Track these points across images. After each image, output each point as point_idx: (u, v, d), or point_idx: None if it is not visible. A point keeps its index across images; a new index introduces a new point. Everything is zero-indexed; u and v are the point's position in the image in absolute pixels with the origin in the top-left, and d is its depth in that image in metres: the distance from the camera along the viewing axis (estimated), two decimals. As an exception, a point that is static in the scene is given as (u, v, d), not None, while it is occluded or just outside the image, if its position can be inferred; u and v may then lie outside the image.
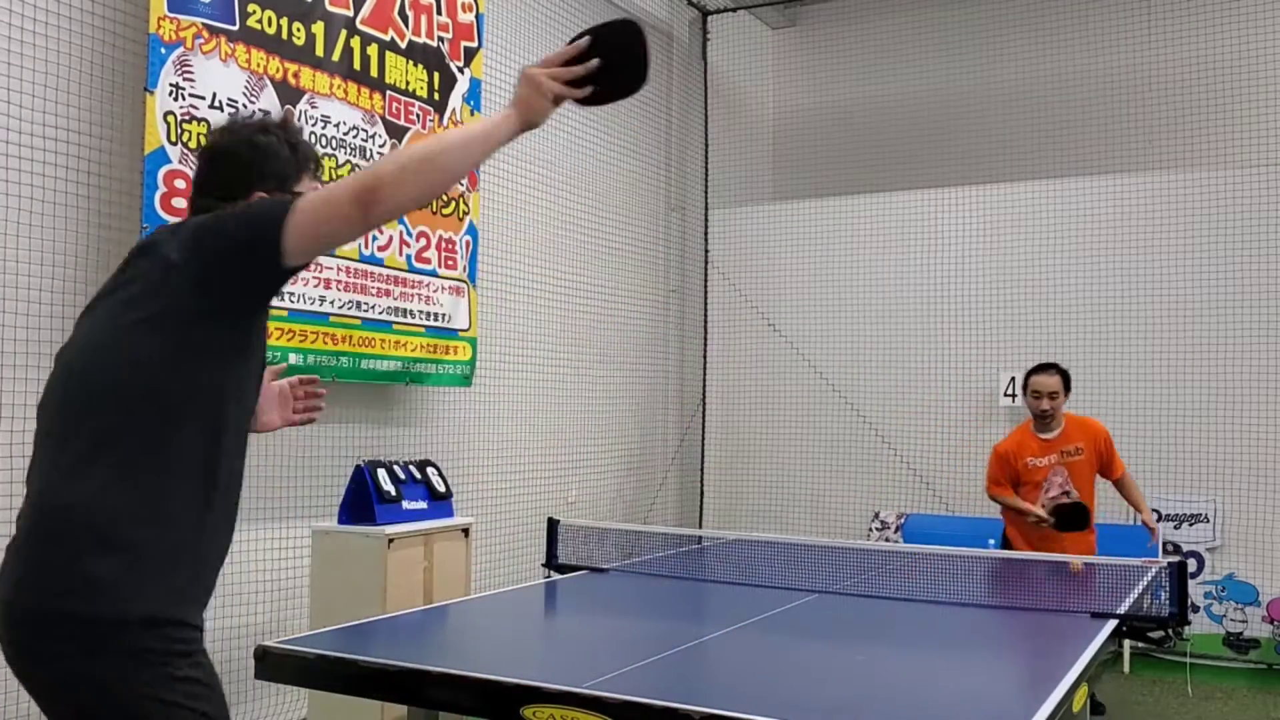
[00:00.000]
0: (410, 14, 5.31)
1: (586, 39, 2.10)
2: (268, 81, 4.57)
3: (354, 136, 5.00)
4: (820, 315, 7.93)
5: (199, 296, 1.96)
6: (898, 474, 7.58)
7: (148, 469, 1.97)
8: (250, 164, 2.18)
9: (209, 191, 2.19)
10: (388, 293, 5.20)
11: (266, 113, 2.18)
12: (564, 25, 6.96)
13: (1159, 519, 6.82)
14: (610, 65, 2.10)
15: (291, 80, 4.68)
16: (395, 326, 5.25)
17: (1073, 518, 5.18)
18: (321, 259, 4.83)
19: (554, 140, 6.86)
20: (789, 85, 9.15)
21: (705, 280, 8.37)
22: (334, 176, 4.89)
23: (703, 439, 8.30)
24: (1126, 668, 6.52)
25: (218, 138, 2.26)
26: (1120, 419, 6.93)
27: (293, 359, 4.69)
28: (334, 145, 4.89)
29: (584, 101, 2.14)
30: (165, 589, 2.00)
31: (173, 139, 4.18)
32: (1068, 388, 5.34)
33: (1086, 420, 5.44)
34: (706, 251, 8.38)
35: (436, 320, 5.51)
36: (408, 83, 5.30)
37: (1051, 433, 5.32)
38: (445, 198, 5.54)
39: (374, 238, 5.11)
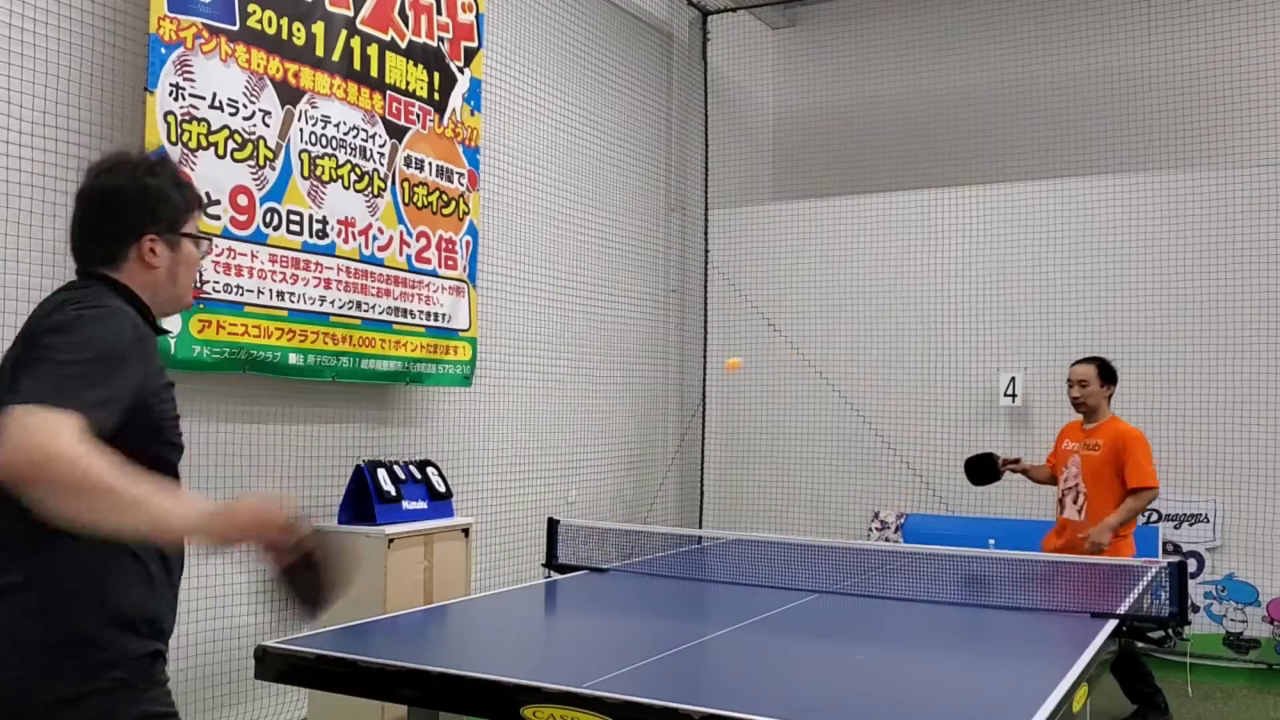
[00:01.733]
0: (410, 14, 5.31)
1: (305, 539, 1.95)
2: (268, 81, 4.57)
3: (354, 136, 5.00)
4: (820, 315, 7.93)
5: None
6: (898, 474, 7.58)
7: None
8: (143, 206, 2.11)
9: (97, 238, 2.12)
10: (388, 293, 5.20)
11: (147, 152, 2.11)
12: (564, 25, 6.97)
13: (1159, 519, 6.82)
14: (305, 573, 1.97)
15: (291, 80, 4.68)
16: (395, 326, 5.25)
17: (975, 467, 5.68)
18: (321, 259, 4.83)
19: (554, 140, 6.86)
20: (789, 85, 9.15)
21: (705, 280, 8.37)
22: (334, 176, 4.89)
23: (703, 439, 8.30)
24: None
25: (102, 179, 2.13)
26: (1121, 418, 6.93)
27: (293, 359, 4.70)
28: (334, 145, 4.89)
29: (283, 573, 1.96)
30: None
31: (173, 139, 4.18)
32: (1106, 379, 5.41)
33: (1121, 424, 5.39)
34: (706, 251, 8.38)
35: (436, 320, 5.51)
36: (408, 83, 5.30)
37: (1091, 424, 5.43)
38: (446, 197, 5.54)
39: (374, 238, 5.11)
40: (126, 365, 1.94)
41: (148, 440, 2.04)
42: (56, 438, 1.72)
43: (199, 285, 4.29)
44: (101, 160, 2.16)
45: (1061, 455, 5.51)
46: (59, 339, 1.89)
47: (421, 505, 4.78)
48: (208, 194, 4.32)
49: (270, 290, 4.59)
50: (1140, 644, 4.00)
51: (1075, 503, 5.34)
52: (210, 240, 2.33)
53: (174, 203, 2.15)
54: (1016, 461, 5.83)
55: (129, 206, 2.11)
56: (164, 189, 2.14)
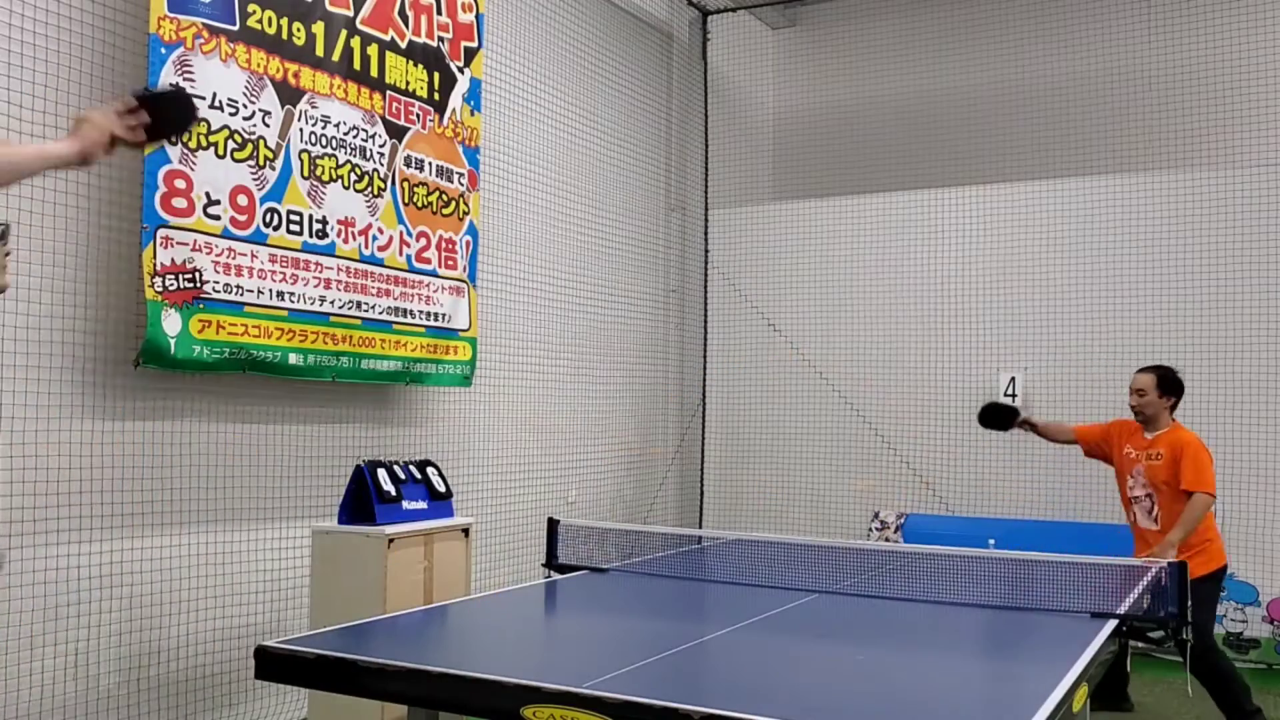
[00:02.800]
0: (410, 14, 5.31)
1: (135, 101, 2.40)
2: (268, 81, 4.57)
3: (354, 136, 5.00)
4: (820, 315, 7.93)
5: None
6: (898, 474, 7.58)
7: None
8: None
9: None
10: (388, 293, 5.20)
11: None
12: (564, 25, 6.97)
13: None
14: (159, 116, 2.43)
15: (291, 80, 4.68)
16: (395, 326, 5.25)
17: (991, 414, 5.74)
18: (321, 259, 4.83)
19: (554, 140, 6.87)
20: (789, 85, 9.15)
21: (705, 280, 8.37)
22: (334, 176, 4.89)
23: (703, 439, 8.30)
24: (1126, 668, 6.50)
25: None
26: (1120, 418, 6.93)
27: (293, 359, 4.70)
28: (334, 145, 4.89)
29: (136, 144, 2.44)
30: None
31: (173, 139, 4.18)
32: (1165, 390, 5.33)
33: (1182, 432, 5.31)
34: (706, 251, 8.38)
35: (436, 320, 5.51)
36: (408, 83, 5.30)
37: (1151, 433, 5.34)
38: (446, 197, 5.54)
39: (374, 237, 5.11)
40: None
41: None
42: None
43: (199, 285, 4.28)
44: None
45: (1124, 462, 5.42)
46: None
47: (421, 505, 4.78)
48: (208, 193, 4.33)
49: (270, 290, 4.59)
50: (1140, 644, 4.00)
51: (1150, 513, 5.28)
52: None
53: None
54: (1032, 425, 5.78)
55: None
56: None
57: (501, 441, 6.38)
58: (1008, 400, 5.93)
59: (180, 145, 4.22)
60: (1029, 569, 4.70)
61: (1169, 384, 5.35)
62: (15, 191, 3.92)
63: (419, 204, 5.38)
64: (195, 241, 4.28)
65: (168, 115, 2.44)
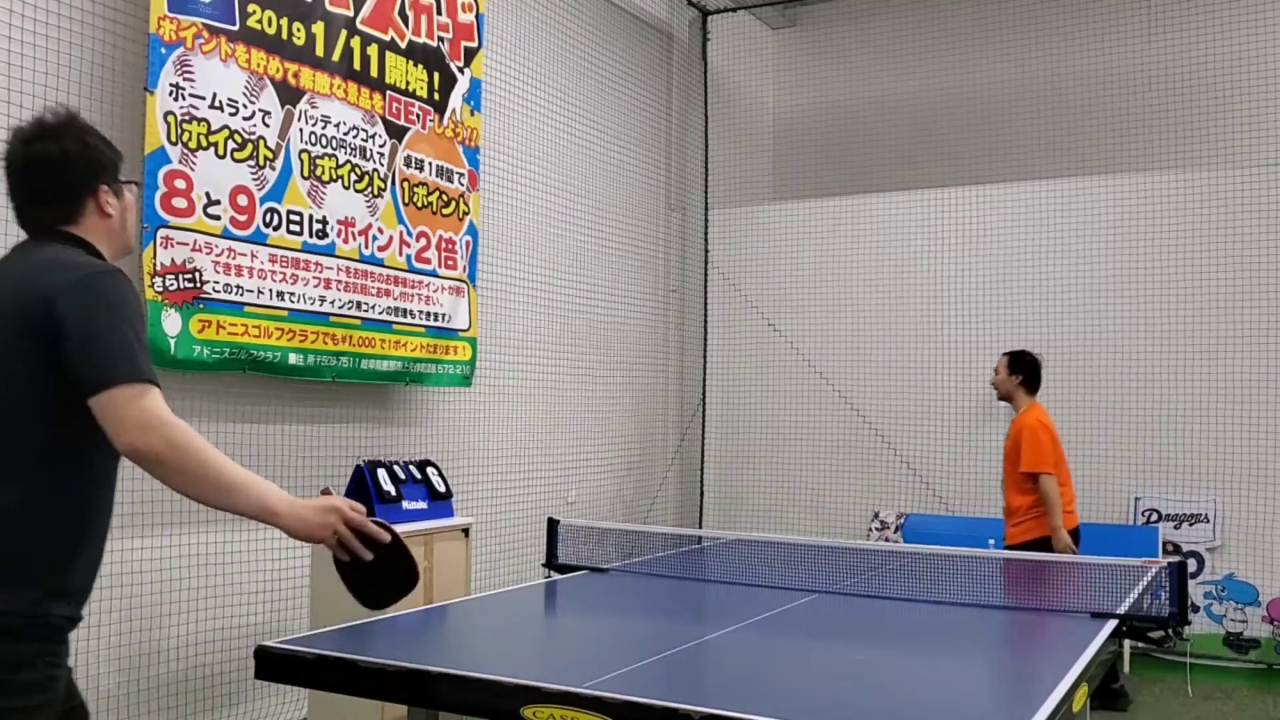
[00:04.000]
0: (410, 14, 5.31)
1: (389, 537, 2.29)
2: (268, 81, 4.57)
3: (354, 136, 5.00)
4: (820, 315, 7.93)
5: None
6: (898, 474, 7.58)
7: None
8: (89, 161, 2.23)
9: (50, 200, 2.22)
10: (388, 293, 5.20)
11: (54, 113, 2.25)
12: (564, 25, 6.97)
13: (1159, 519, 6.82)
14: (379, 569, 2.31)
15: (291, 80, 4.68)
16: (395, 326, 5.25)
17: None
18: (321, 259, 4.83)
19: (554, 140, 6.86)
20: (789, 85, 9.15)
21: (705, 280, 8.37)
22: (334, 176, 4.89)
23: (703, 439, 8.31)
24: (1126, 668, 6.52)
25: (41, 145, 2.21)
26: (1120, 418, 6.94)
27: (293, 359, 4.70)
28: (334, 145, 4.89)
29: (340, 566, 2.34)
30: None
31: (173, 139, 4.18)
32: (1013, 369, 5.72)
33: (1026, 414, 5.66)
34: (706, 251, 8.38)
35: (436, 320, 5.51)
36: (408, 83, 5.30)
37: (1014, 415, 5.80)
38: (446, 197, 5.54)
39: (374, 237, 5.11)
40: (143, 320, 2.17)
41: None
42: (173, 426, 2.04)
43: (199, 285, 4.28)
44: (29, 128, 2.23)
45: None
46: (86, 306, 2.04)
47: (422, 505, 4.78)
48: (208, 193, 4.33)
49: (270, 290, 4.59)
50: (1140, 644, 4.00)
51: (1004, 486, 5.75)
52: (137, 183, 2.53)
53: (110, 155, 2.28)
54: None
55: (80, 164, 2.22)
56: (99, 142, 2.27)
57: (501, 441, 6.37)
58: None
59: (180, 145, 4.22)
60: (1029, 569, 4.71)
61: (1016, 362, 5.74)
62: (15, 191, 3.92)
63: (419, 204, 5.38)
64: (195, 241, 4.28)
65: (383, 573, 2.30)
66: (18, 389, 2.06)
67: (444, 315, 5.55)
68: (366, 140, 5.07)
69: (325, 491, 2.37)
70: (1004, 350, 6.00)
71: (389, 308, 5.20)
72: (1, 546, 2.02)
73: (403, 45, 5.27)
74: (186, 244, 4.25)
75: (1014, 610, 3.85)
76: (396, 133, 5.24)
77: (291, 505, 2.21)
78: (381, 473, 4.66)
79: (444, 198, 5.54)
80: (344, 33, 4.94)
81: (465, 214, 5.69)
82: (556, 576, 4.51)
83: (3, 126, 3.90)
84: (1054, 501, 5.38)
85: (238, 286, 4.44)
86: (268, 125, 4.58)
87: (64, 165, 2.21)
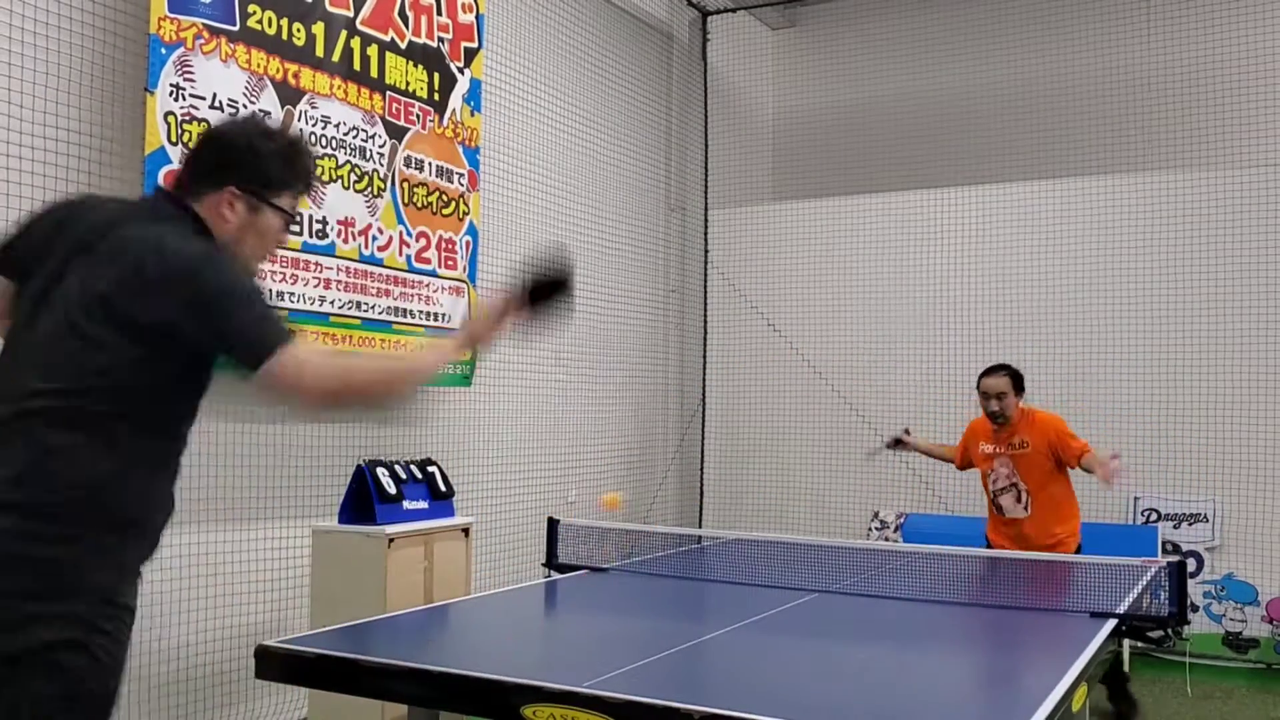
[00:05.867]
0: (410, 14, 5.31)
1: (524, 298, 2.52)
2: (268, 82, 4.57)
3: (354, 137, 5.00)
4: (820, 315, 7.93)
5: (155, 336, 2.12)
6: (898, 474, 7.58)
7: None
8: (239, 161, 2.22)
9: (194, 171, 2.25)
10: (388, 293, 5.20)
11: (286, 124, 2.35)
12: (564, 25, 6.97)
13: (1159, 518, 6.83)
14: (540, 297, 2.55)
15: (291, 81, 4.68)
16: (395, 326, 5.25)
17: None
18: (321, 259, 4.83)
19: (554, 140, 6.87)
20: (789, 85, 9.15)
21: (705, 280, 8.38)
22: (333, 177, 4.89)
23: (702, 439, 8.31)
24: (1126, 667, 6.52)
25: (226, 125, 2.36)
26: (1120, 418, 6.93)
27: (293, 359, 4.69)
28: (334, 146, 4.89)
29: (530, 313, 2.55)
30: None
31: (173, 139, 4.19)
32: (1018, 388, 5.45)
33: (1036, 414, 5.45)
34: (706, 251, 8.38)
35: (436, 320, 5.51)
36: (408, 83, 5.30)
37: (1003, 429, 5.46)
38: (446, 197, 5.54)
39: (374, 238, 5.12)
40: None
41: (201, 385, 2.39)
42: (334, 364, 2.17)
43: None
44: (242, 113, 2.39)
45: (982, 460, 5.52)
46: (219, 280, 2.09)
47: (423, 505, 4.78)
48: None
49: (270, 290, 4.59)
50: (1140, 643, 4.00)
51: (1019, 501, 5.40)
52: (295, 221, 2.41)
53: (271, 170, 2.23)
54: (907, 437, 5.97)
55: (230, 156, 2.21)
56: (269, 155, 2.22)
57: (501, 441, 6.38)
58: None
59: (180, 145, 4.22)
60: (1028, 569, 4.71)
61: (1020, 380, 5.48)
62: (15, 192, 3.93)
63: (419, 204, 5.38)
64: (195, 242, 4.28)
65: (545, 293, 2.53)
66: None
67: (444, 315, 5.56)
68: (366, 140, 5.07)
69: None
70: (988, 367, 5.57)
71: (389, 308, 5.21)
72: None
73: (403, 46, 5.27)
74: (187, 244, 4.25)
75: (1013, 610, 3.86)
76: (396, 133, 5.24)
77: (457, 343, 2.40)
78: (382, 472, 4.66)
79: (444, 198, 5.54)
80: (344, 33, 4.94)
81: (465, 214, 5.69)
82: (556, 576, 4.51)
83: (3, 126, 3.91)
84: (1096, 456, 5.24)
85: (238, 286, 4.44)
86: (268, 125, 4.57)
87: (217, 145, 2.26)
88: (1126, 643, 5.93)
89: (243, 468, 4.74)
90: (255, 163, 2.20)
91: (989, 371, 5.52)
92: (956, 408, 7.43)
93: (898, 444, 6.02)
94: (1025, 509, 5.37)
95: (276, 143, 2.25)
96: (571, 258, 2.60)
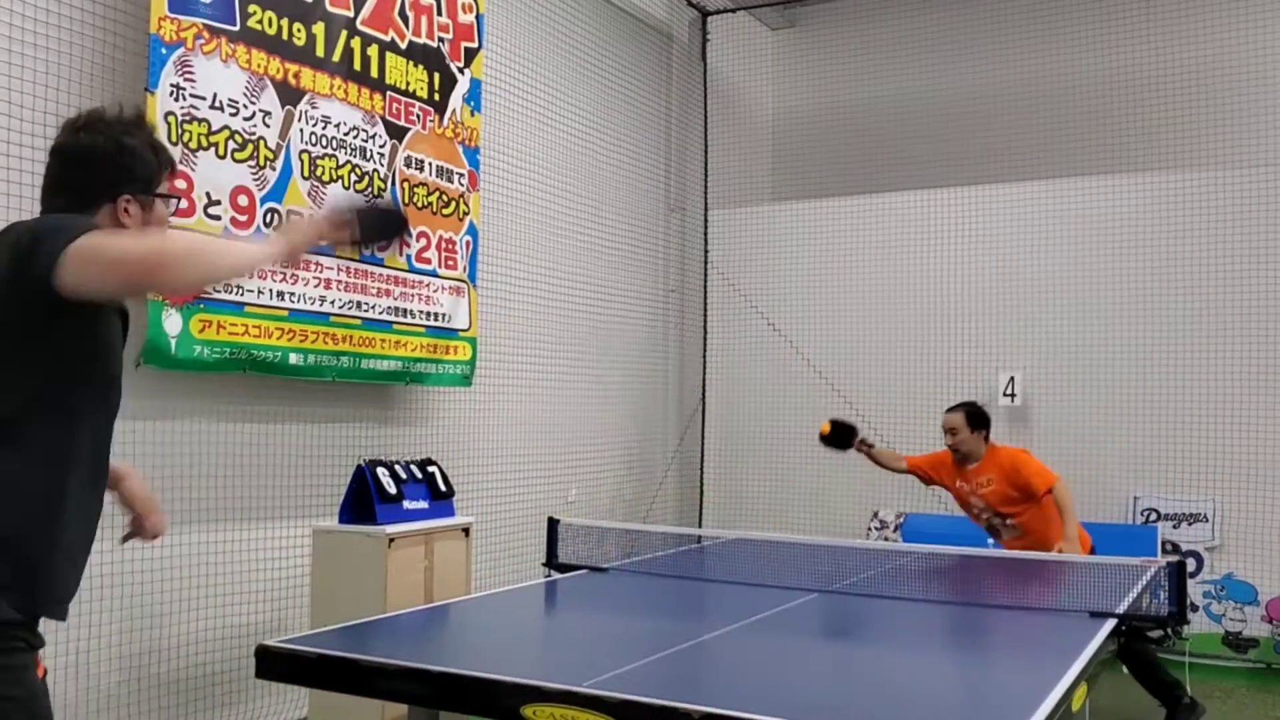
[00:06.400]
0: (410, 14, 5.32)
1: (347, 215, 2.36)
2: (268, 82, 4.57)
3: (354, 137, 5.00)
4: (820, 315, 7.94)
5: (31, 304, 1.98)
6: (898, 474, 7.57)
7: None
8: (119, 166, 2.14)
9: (71, 194, 2.14)
10: (388, 293, 5.20)
11: (121, 108, 2.21)
12: (564, 26, 6.97)
13: (1158, 518, 6.82)
14: (367, 226, 2.38)
15: (292, 81, 4.68)
16: (395, 326, 5.25)
17: (835, 433, 5.89)
18: (322, 259, 4.83)
19: (554, 140, 6.87)
20: (788, 86, 9.15)
21: (705, 280, 8.38)
22: (334, 177, 4.89)
23: (702, 439, 8.31)
24: (1125, 667, 6.51)
25: (81, 137, 2.15)
26: (1120, 418, 6.94)
27: (293, 359, 4.70)
28: (334, 145, 4.89)
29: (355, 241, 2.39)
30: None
31: (173, 139, 4.19)
32: (975, 424, 5.48)
33: (999, 451, 5.48)
34: (706, 251, 8.38)
35: (436, 320, 5.51)
36: (408, 83, 5.30)
37: (971, 464, 5.51)
38: (446, 197, 5.55)
39: (374, 238, 5.11)
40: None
41: (90, 363, 2.08)
42: (134, 244, 1.99)
43: (199, 285, 4.29)
44: (78, 117, 2.18)
45: (960, 493, 5.58)
46: (46, 230, 2.00)
47: (423, 505, 4.78)
48: (208, 194, 4.33)
49: (270, 290, 4.59)
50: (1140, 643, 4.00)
51: (1008, 525, 5.43)
52: (178, 199, 2.37)
53: (149, 163, 2.17)
54: (871, 446, 5.97)
55: (106, 165, 2.13)
56: (140, 149, 2.16)
57: (501, 441, 6.38)
58: (847, 420, 6.07)
59: (181, 145, 4.23)
60: (1028, 569, 4.71)
61: (976, 418, 5.52)
62: (15, 192, 3.93)
63: (419, 204, 5.38)
64: (196, 242, 4.29)
65: (375, 226, 2.42)
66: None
67: (444, 315, 5.56)
68: (367, 141, 5.07)
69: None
70: (948, 407, 5.63)
71: (389, 308, 5.21)
72: None
73: (403, 46, 5.28)
74: (187, 244, 4.25)
75: (1013, 610, 3.86)
76: (397, 133, 5.24)
77: (277, 244, 2.21)
78: (382, 472, 4.67)
79: (444, 198, 5.54)
80: (344, 33, 4.94)
81: (465, 214, 5.69)
82: (556, 576, 4.51)
83: (3, 126, 3.91)
84: (1071, 507, 5.17)
85: (238, 286, 4.45)
86: (268, 126, 4.58)
87: (89, 161, 2.13)
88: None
89: (243, 468, 4.75)
90: (130, 161, 2.14)
91: (950, 408, 5.62)
92: (956, 408, 7.43)
93: (863, 446, 5.95)
94: (1017, 531, 5.39)
95: (139, 135, 2.18)
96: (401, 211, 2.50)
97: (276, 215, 4.63)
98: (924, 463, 5.85)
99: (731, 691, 2.78)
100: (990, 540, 5.73)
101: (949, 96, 8.46)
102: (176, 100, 4.20)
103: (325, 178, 4.85)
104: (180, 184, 4.22)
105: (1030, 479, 5.28)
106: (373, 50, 5.09)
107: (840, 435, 5.93)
